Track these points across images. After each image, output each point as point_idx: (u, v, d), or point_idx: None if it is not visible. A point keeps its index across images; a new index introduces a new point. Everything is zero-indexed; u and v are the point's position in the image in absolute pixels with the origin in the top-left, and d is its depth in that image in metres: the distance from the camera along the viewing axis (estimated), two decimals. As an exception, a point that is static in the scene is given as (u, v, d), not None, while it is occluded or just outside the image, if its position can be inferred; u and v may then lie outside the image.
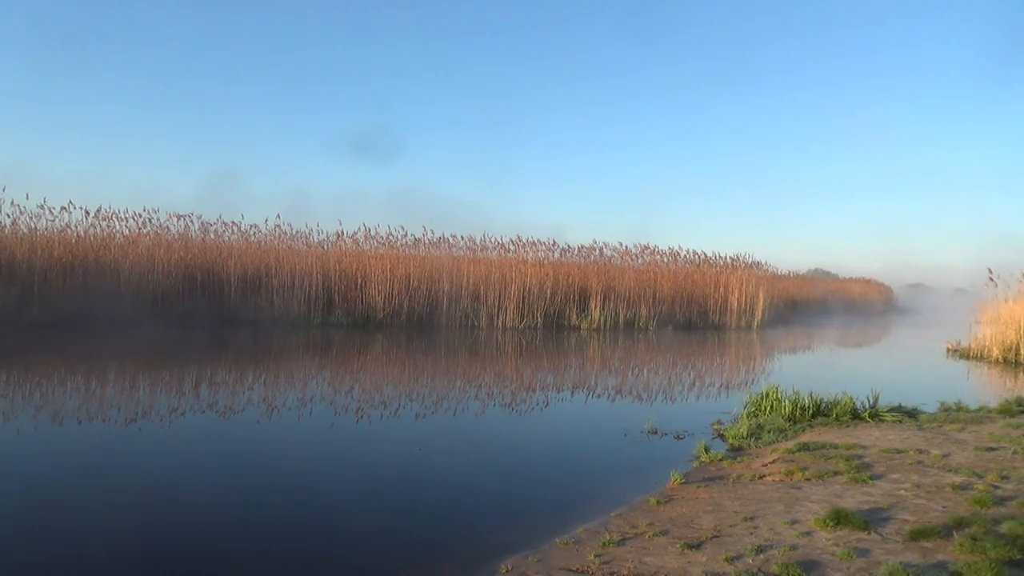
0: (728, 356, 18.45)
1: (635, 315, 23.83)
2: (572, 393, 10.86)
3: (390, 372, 12.79)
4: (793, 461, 6.07)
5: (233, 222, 20.99)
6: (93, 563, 3.99)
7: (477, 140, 69.77)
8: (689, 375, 13.90)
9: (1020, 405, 9.06)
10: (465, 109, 68.03)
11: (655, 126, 74.70)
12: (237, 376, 11.45)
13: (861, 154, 78.07)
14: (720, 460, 6.44)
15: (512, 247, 23.42)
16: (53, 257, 17.69)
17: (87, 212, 18.97)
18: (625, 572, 3.72)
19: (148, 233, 19.57)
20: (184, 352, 14.34)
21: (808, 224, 77.17)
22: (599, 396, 10.64)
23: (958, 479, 5.31)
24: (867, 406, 8.35)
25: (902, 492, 5.03)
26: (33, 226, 18.08)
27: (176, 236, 19.93)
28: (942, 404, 9.21)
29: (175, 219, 20.15)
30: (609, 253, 25.42)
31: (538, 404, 9.63)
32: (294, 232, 21.61)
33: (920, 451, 6.30)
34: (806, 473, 5.62)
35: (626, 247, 25.76)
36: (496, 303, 21.85)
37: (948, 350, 19.34)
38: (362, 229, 22.25)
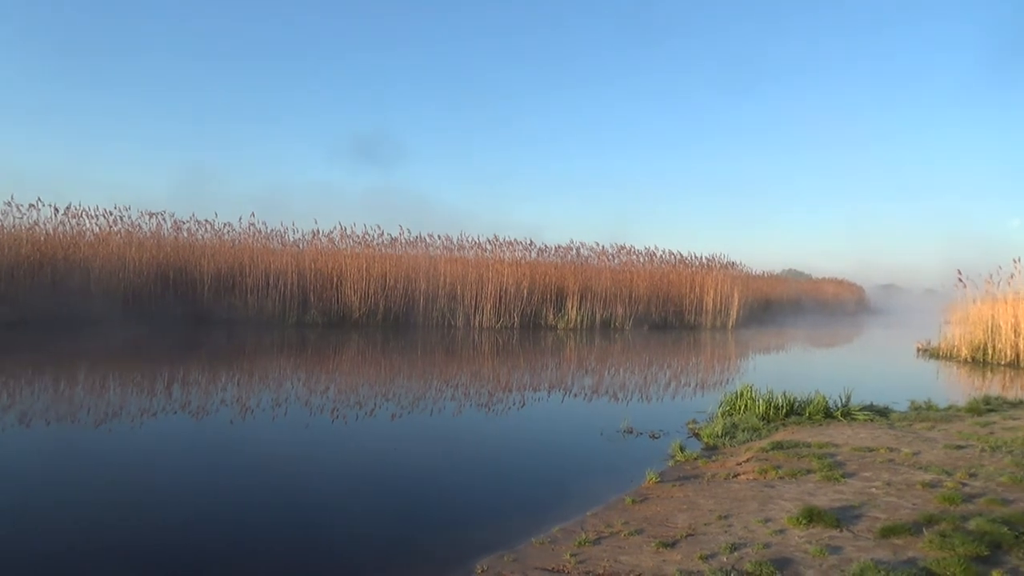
0: (703, 355, 18.58)
1: (611, 315, 23.92)
2: (548, 393, 10.87)
3: (366, 372, 12.70)
4: (767, 460, 6.12)
5: (206, 220, 20.82)
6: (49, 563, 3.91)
7: (458, 141, 69.86)
8: (665, 374, 13.97)
9: (988, 404, 9.23)
10: (446, 110, 68.13)
11: (632, 128, 75.26)
12: (210, 376, 11.31)
13: (834, 156, 79.20)
14: (695, 459, 6.48)
15: (489, 246, 23.46)
16: (20, 255, 17.33)
17: (56, 209, 18.69)
18: (600, 571, 3.72)
19: (119, 231, 19.30)
20: (156, 352, 14.13)
21: (782, 225, 78.19)
22: (575, 396, 10.66)
23: (928, 477, 5.39)
24: (839, 405, 8.46)
25: (873, 490, 5.09)
26: (0, 223, 17.74)
27: (148, 234, 19.70)
28: (912, 403, 9.35)
29: (147, 217, 19.93)
30: (586, 253, 25.58)
31: (515, 404, 9.62)
32: (269, 231, 21.48)
33: (891, 449, 6.38)
34: (779, 472, 5.67)
35: (603, 247, 25.94)
36: (473, 303, 21.83)
37: (918, 350, 19.66)
38: (338, 228, 22.17)
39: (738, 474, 5.78)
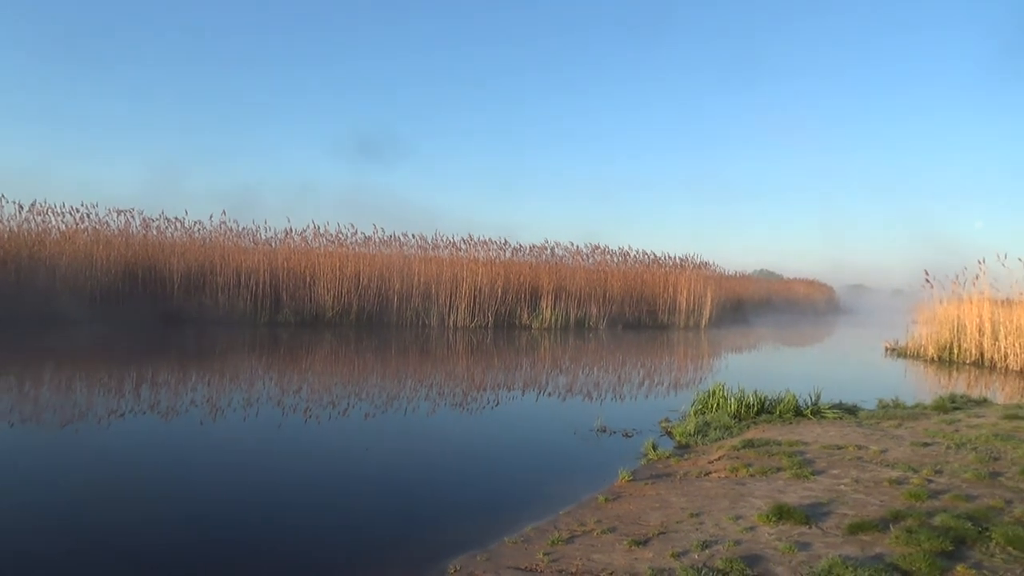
0: (676, 355, 18.72)
1: (585, 314, 23.99)
2: (523, 392, 10.87)
3: (339, 371, 12.60)
4: (738, 458, 6.17)
5: (176, 218, 20.44)
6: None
7: (433, 140, 69.74)
8: (638, 374, 14.05)
9: (953, 402, 9.41)
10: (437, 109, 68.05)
11: (607, 129, 75.68)
12: (179, 376, 11.14)
13: (805, 158, 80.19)
14: (668, 457, 6.52)
15: (463, 246, 23.38)
16: (-17, 254, 16.94)
17: (20, 207, 18.23)
18: (573, 570, 3.72)
19: (86, 229, 18.91)
20: (124, 351, 13.89)
21: (755, 226, 79.10)
22: (549, 395, 10.67)
23: (895, 474, 5.47)
24: (809, 403, 8.56)
25: (842, 487, 5.16)
26: (-39, 221, 17.31)
27: (116, 232, 19.30)
28: (880, 401, 9.50)
29: (115, 215, 19.53)
30: (560, 253, 25.58)
31: (489, 403, 9.61)
32: (240, 229, 21.15)
33: (859, 447, 6.47)
34: (750, 469, 5.73)
35: (577, 247, 25.97)
36: (447, 302, 21.76)
37: (887, 349, 19.98)
38: (311, 227, 21.96)
39: (710, 472, 5.83)
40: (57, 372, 11.10)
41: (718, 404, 8.55)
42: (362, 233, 22.49)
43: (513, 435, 8.00)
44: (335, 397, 9.55)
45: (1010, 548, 3.77)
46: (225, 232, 20.82)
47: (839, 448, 6.45)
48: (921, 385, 13.62)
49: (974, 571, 3.51)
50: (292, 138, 64.61)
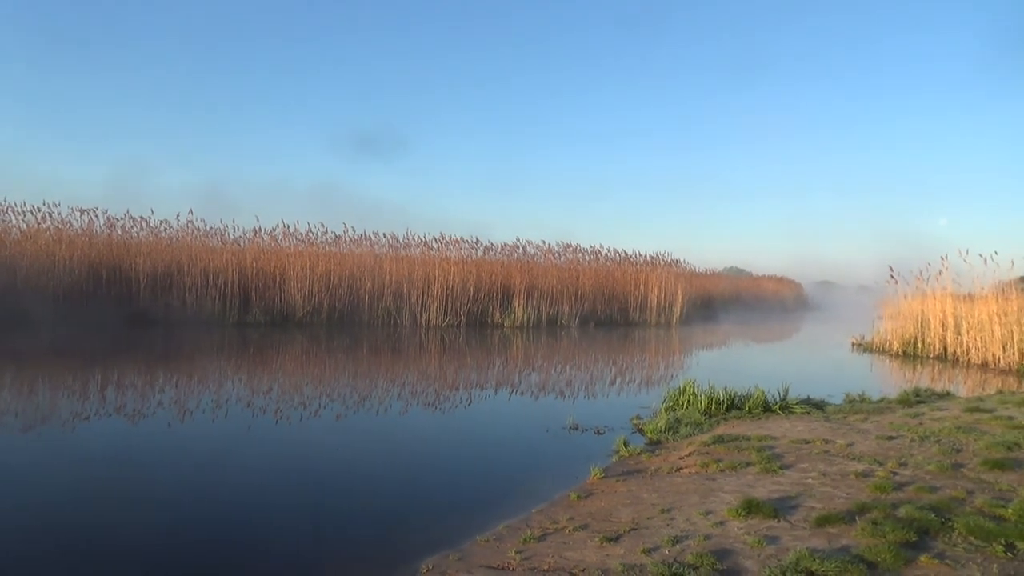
0: (648, 352, 18.85)
1: (558, 312, 24.06)
2: (495, 391, 10.87)
3: (310, 372, 12.48)
4: (708, 453, 6.23)
5: (141, 217, 20.08)
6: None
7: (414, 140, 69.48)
8: (610, 371, 14.12)
9: (917, 395, 9.60)
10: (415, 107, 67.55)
11: (577, 128, 75.95)
12: (146, 378, 10.96)
13: (772, 157, 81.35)
14: (639, 454, 6.56)
15: (435, 245, 23.32)
16: (-59, 253, 16.50)
17: (-22, 206, 17.80)
18: (545, 567, 3.73)
19: (48, 228, 18.50)
20: (88, 353, 13.62)
21: (725, 224, 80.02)
22: (522, 393, 10.68)
23: (861, 467, 5.57)
24: (778, 399, 8.67)
25: (809, 481, 5.23)
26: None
27: (79, 232, 18.92)
28: (847, 396, 9.65)
29: (78, 214, 19.12)
30: (532, 251, 25.65)
31: (461, 402, 9.59)
32: (208, 228, 20.85)
33: (826, 441, 6.57)
34: (720, 465, 5.78)
35: (549, 245, 26.06)
36: (419, 301, 21.68)
37: (853, 344, 20.31)
38: (281, 226, 21.73)
39: (680, 468, 5.87)
40: (18, 375, 10.85)
41: (689, 401, 8.62)
42: (332, 232, 22.36)
43: (486, 434, 7.99)
44: (306, 398, 9.46)
45: (971, 538, 3.86)
46: (192, 231, 20.53)
47: (807, 442, 6.54)
48: (886, 379, 13.86)
49: (937, 561, 3.58)
50: (264, 135, 63.95)
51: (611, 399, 10.43)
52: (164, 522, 4.67)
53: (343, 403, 9.15)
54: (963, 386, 12.63)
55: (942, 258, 17.91)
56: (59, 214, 18.82)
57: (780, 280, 48.87)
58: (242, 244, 21.03)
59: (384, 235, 23.12)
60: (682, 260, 29.80)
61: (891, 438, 6.66)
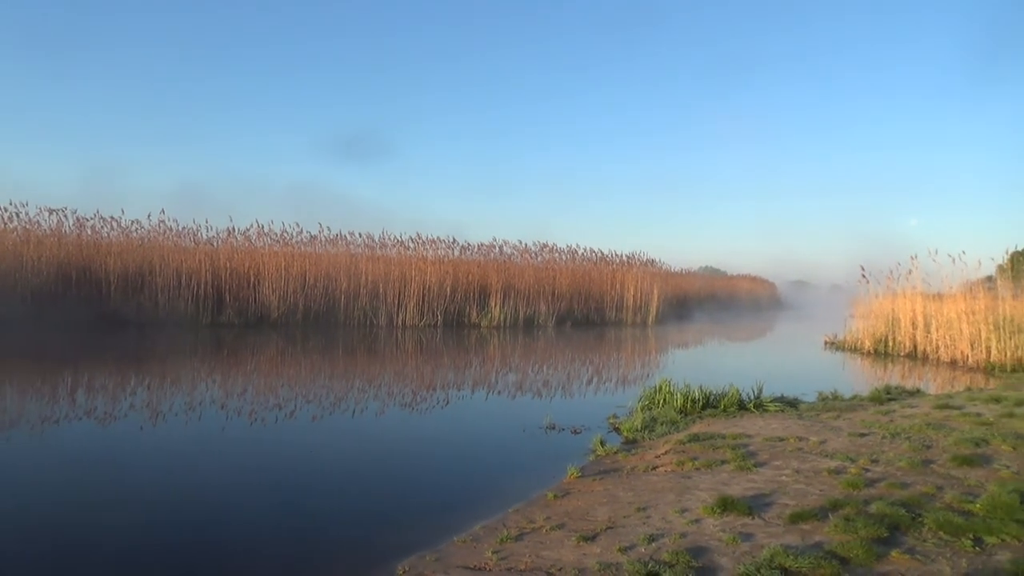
0: (624, 351, 18.93)
1: (534, 312, 24.08)
2: (472, 391, 10.85)
3: (285, 373, 12.36)
4: (684, 452, 6.27)
5: (112, 218, 19.77)
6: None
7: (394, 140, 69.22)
8: (587, 371, 14.16)
9: (889, 393, 9.75)
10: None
11: (556, 128, 76.15)
12: (117, 380, 10.78)
13: (748, 159, 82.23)
14: (615, 453, 6.58)
15: (412, 245, 23.22)
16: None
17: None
18: (522, 567, 3.73)
19: (15, 228, 18.16)
20: (57, 354, 13.36)
21: (700, 224, 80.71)
22: (499, 393, 10.68)
23: (833, 464, 5.64)
24: (752, 397, 8.75)
25: (783, 478, 5.29)
26: None
27: (48, 232, 18.59)
28: (820, 394, 9.77)
29: (46, 214, 18.79)
30: (509, 251, 25.66)
31: (438, 402, 9.56)
32: (180, 228, 20.57)
33: (800, 439, 6.65)
34: (696, 463, 5.82)
35: (525, 245, 26.08)
36: (396, 301, 21.58)
37: (826, 343, 20.56)
38: (255, 226, 21.50)
39: (657, 466, 5.90)
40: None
41: (664, 399, 8.67)
42: (308, 232, 22.17)
43: (462, 434, 7.97)
44: (281, 400, 9.37)
45: (941, 533, 3.92)
46: (164, 232, 20.26)
47: (781, 440, 6.61)
48: (858, 377, 14.06)
49: (908, 556, 3.64)
50: (245, 137, 63.33)
51: (588, 398, 10.46)
52: (138, 525, 4.60)
53: (319, 404, 9.08)
54: (933, 384, 12.85)
55: (912, 258, 18.22)
56: (27, 214, 18.53)
57: (754, 280, 49.38)
58: (215, 244, 20.78)
59: (360, 235, 23.00)
60: (658, 260, 30.05)
61: (863, 435, 6.75)
